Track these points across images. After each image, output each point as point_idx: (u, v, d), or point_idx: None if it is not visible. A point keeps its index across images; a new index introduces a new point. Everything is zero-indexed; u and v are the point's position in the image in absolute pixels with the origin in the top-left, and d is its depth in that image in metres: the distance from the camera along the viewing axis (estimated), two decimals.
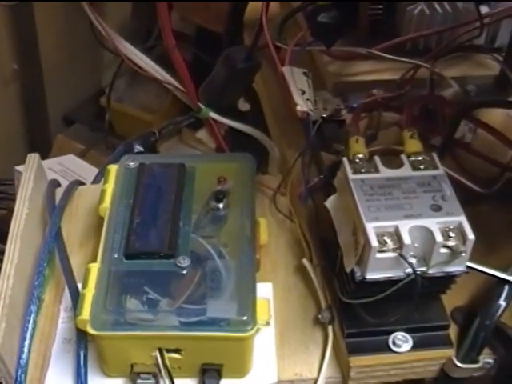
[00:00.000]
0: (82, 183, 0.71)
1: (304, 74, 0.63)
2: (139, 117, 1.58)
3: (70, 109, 1.67)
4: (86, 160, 1.13)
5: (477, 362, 0.53)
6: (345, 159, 0.53)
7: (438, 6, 0.73)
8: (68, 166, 1.06)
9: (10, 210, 0.62)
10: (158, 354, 0.52)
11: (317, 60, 0.75)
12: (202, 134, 1.42)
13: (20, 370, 0.54)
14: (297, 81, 0.61)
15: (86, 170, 1.05)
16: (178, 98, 0.77)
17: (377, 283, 0.49)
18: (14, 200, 0.63)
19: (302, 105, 0.58)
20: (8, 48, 1.43)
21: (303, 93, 0.61)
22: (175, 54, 0.67)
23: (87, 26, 0.80)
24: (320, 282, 0.58)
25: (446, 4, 0.74)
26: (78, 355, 0.54)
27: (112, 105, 1.52)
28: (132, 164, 0.62)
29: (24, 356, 0.54)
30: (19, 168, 0.68)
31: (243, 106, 0.81)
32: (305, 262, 0.60)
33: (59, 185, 0.69)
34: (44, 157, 0.69)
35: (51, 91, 1.55)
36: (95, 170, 0.91)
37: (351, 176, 0.52)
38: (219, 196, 0.58)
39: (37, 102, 1.54)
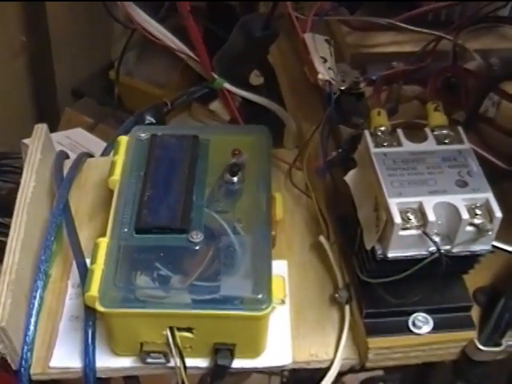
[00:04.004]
0: (91, 155, 0.69)
1: (326, 41, 0.61)
2: (148, 91, 1.57)
3: (79, 82, 1.66)
4: (95, 134, 1.12)
5: (500, 344, 0.51)
6: (366, 132, 0.51)
7: None
8: (76, 139, 1.04)
9: (17, 184, 0.60)
10: (168, 333, 0.50)
11: (335, 31, 0.73)
12: (215, 105, 1.41)
13: (26, 347, 0.52)
14: (319, 48, 0.59)
15: (94, 144, 1.03)
16: (188, 72, 0.75)
17: (398, 262, 0.48)
18: (20, 174, 0.61)
19: (324, 73, 0.56)
20: (16, 20, 1.42)
21: (325, 61, 0.58)
22: (189, 20, 0.64)
23: None
24: (337, 260, 0.57)
25: None
26: (86, 333, 0.52)
27: (121, 78, 1.50)
28: (143, 135, 0.60)
29: (30, 333, 0.53)
30: (26, 141, 0.67)
31: (255, 80, 0.79)
32: (321, 239, 0.58)
33: (67, 157, 0.67)
34: (52, 130, 0.68)
35: (60, 64, 1.54)
36: (104, 144, 0.89)
37: (373, 149, 0.50)
38: (234, 169, 0.56)
39: (45, 74, 1.53)
